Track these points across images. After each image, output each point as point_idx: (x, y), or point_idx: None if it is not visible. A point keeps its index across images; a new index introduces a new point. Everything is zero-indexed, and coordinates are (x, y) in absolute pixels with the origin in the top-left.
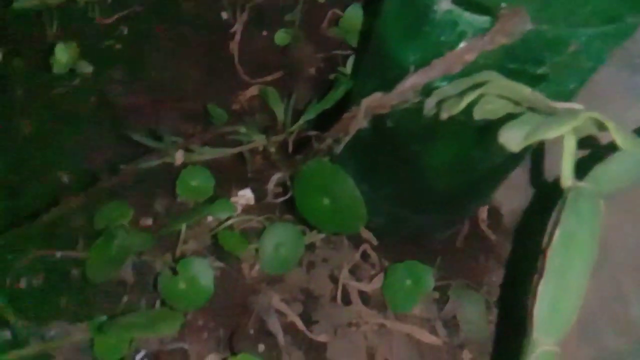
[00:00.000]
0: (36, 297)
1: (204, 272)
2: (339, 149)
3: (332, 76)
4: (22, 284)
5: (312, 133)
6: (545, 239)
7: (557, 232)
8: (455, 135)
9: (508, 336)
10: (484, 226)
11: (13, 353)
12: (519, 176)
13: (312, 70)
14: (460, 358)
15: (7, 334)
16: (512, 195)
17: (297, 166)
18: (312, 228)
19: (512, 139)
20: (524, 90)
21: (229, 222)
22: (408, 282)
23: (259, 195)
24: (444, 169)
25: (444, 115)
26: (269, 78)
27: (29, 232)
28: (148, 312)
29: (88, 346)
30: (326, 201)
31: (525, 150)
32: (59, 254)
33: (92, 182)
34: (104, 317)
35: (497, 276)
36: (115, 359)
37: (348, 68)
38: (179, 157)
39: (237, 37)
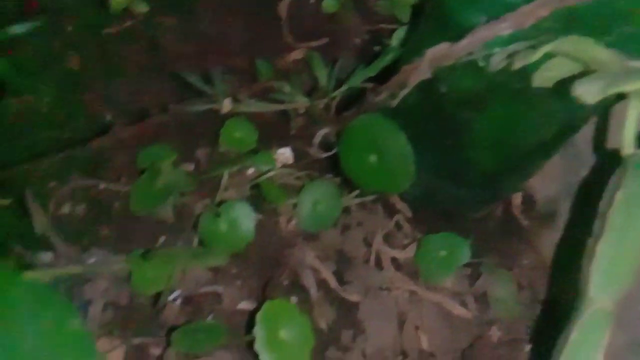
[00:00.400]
0: (77, 225)
1: (245, 217)
2: (394, 102)
3: (376, 48)
4: (65, 210)
5: (368, 85)
6: (605, 203)
7: (619, 195)
8: (508, 103)
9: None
10: (517, 212)
11: (50, 272)
12: (554, 165)
13: (357, 41)
14: (488, 334)
15: (48, 256)
16: (547, 183)
17: (346, 121)
18: (352, 189)
19: (589, 91)
20: (599, 49)
21: (270, 174)
22: (442, 253)
23: (299, 154)
24: (492, 140)
25: (517, 65)
26: (313, 44)
27: (73, 161)
28: (189, 248)
29: (126, 277)
30: (373, 158)
31: (570, 130)
32: (102, 185)
33: (138, 121)
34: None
35: (528, 259)
36: (153, 291)
37: (394, 41)
38: (227, 104)
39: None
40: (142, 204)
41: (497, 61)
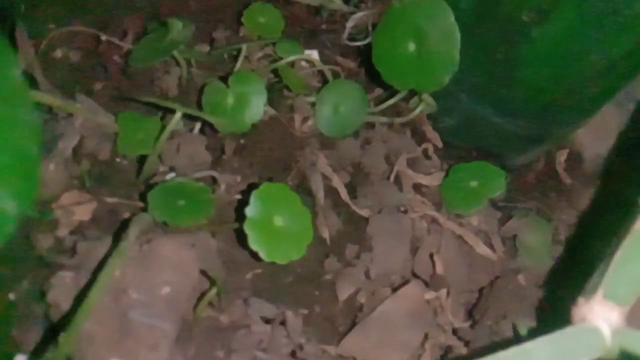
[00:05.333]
0: (69, 71)
1: (257, 92)
2: None
3: None
4: (58, 54)
5: None
6: None
7: None
8: (580, 4)
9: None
10: (560, 168)
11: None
12: (608, 120)
13: None
14: (514, 280)
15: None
16: (598, 140)
17: (387, 4)
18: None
19: None
20: None
21: (291, 58)
22: (474, 183)
23: (327, 55)
24: (552, 54)
25: None
26: None
27: (79, 9)
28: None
29: (111, 135)
30: (412, 46)
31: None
32: (104, 37)
33: None
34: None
35: (567, 215)
36: (139, 152)
37: None
38: None
39: None
40: (143, 57)
41: None
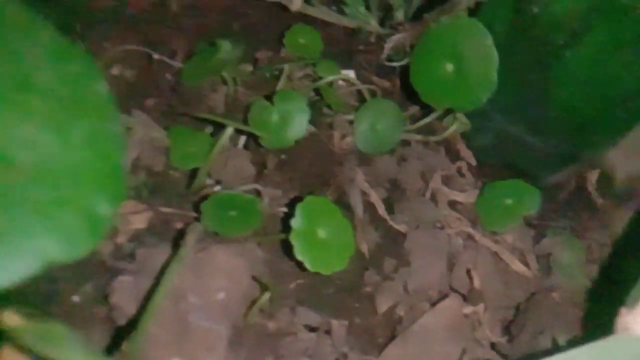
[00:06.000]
0: (124, 88)
1: (300, 110)
2: None
3: None
4: (114, 71)
5: None
6: None
7: None
8: (615, 26)
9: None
10: (591, 188)
11: None
12: None
13: None
14: (550, 298)
15: None
16: (631, 159)
17: (424, 27)
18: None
19: None
20: None
21: (329, 78)
22: (508, 200)
23: (364, 75)
24: (585, 75)
25: None
26: None
27: (131, 30)
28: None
29: (164, 148)
30: (450, 67)
31: None
32: (155, 55)
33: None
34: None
35: (599, 235)
36: (191, 166)
37: None
38: (297, 2)
39: None
40: (194, 75)
41: None
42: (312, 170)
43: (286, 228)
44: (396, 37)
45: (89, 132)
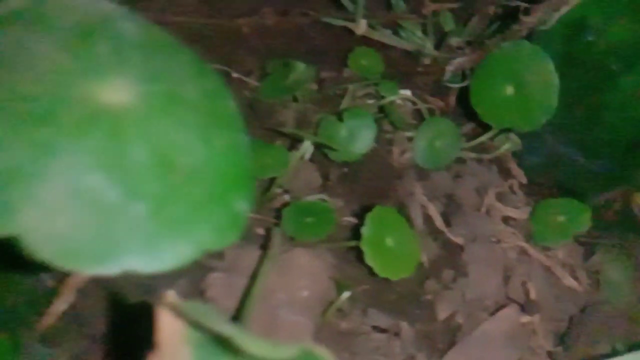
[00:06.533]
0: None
1: (368, 126)
2: (549, 23)
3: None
4: None
5: (520, 4)
6: None
7: None
8: None
9: None
10: (637, 210)
11: None
12: None
13: (490, 9)
14: (601, 311)
15: None
16: None
17: (486, 51)
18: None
19: None
20: None
21: (393, 97)
22: (560, 218)
23: (419, 95)
24: (634, 100)
25: None
26: (446, 5)
27: (208, 49)
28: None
29: None
30: (510, 90)
31: None
32: (234, 74)
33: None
34: None
35: None
36: (269, 175)
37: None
38: (363, 26)
39: None
40: (271, 93)
41: None
42: (372, 183)
43: (353, 236)
44: (457, 60)
45: (227, 141)
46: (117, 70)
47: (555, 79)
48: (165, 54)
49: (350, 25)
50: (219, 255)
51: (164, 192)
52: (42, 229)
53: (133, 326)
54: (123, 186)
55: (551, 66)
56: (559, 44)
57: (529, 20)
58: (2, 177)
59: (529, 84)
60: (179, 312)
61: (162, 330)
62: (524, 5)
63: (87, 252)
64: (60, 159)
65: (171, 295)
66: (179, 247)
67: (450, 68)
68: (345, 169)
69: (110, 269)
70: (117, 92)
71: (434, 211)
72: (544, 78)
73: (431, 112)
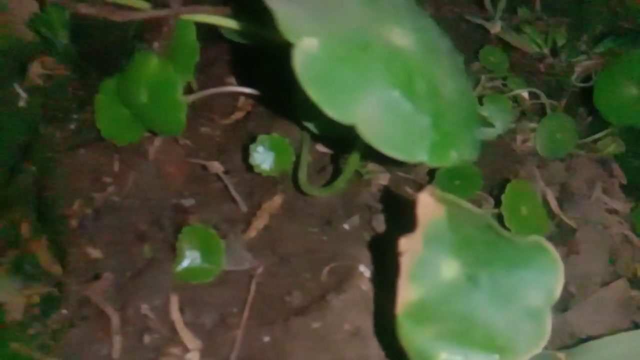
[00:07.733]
0: None
1: (506, 110)
2: None
3: None
4: None
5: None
6: None
7: None
8: None
9: None
10: None
11: None
12: None
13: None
14: None
15: None
16: None
17: (612, 56)
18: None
19: None
20: None
21: (520, 90)
22: None
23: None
24: None
25: None
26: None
27: None
28: None
29: None
30: (634, 91)
31: None
32: None
33: None
34: None
35: None
36: None
37: None
38: (498, 26)
39: None
40: None
41: None
42: (495, 165)
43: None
44: (585, 63)
45: (463, 85)
46: (397, 22)
47: None
48: (420, 16)
49: (486, 24)
50: (380, 199)
51: (438, 112)
52: (368, 122)
53: None
54: (413, 103)
55: None
56: None
57: None
58: (348, 84)
59: None
60: (439, 198)
61: (424, 209)
62: None
63: (396, 144)
64: (374, 77)
65: (432, 188)
66: (451, 153)
67: (578, 69)
68: None
69: (411, 160)
70: (402, 38)
71: (551, 195)
72: None
73: (554, 108)
